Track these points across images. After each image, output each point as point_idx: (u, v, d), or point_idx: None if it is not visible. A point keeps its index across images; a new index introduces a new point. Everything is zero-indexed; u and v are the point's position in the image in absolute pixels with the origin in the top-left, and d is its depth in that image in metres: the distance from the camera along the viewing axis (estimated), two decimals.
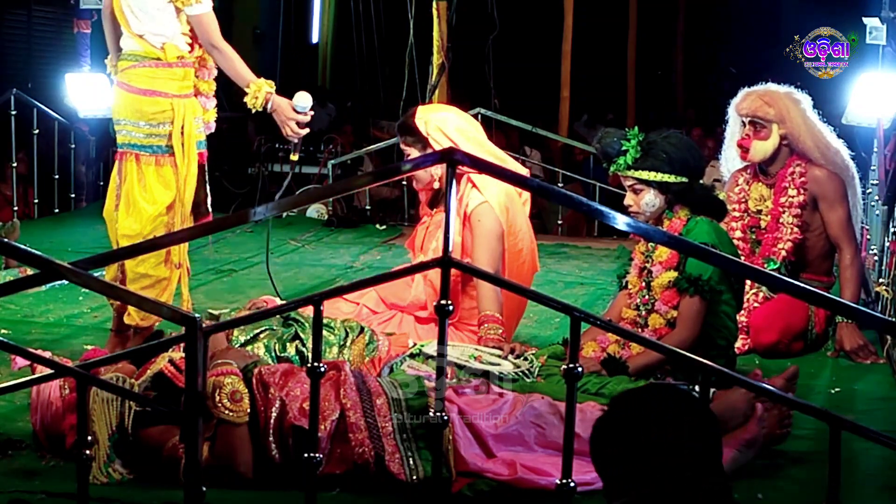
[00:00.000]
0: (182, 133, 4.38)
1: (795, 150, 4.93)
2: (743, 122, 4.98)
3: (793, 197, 4.89)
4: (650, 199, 4.05)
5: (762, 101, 4.91)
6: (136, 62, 4.38)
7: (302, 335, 4.00)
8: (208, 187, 4.60)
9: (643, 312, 4.11)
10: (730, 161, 5.24)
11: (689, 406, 1.99)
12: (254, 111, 4.52)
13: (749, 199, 5.05)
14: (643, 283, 4.14)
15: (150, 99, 4.36)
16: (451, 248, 2.58)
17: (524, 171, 4.40)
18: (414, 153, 4.45)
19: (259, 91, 4.41)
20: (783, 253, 4.89)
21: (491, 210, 4.40)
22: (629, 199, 4.10)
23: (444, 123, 4.43)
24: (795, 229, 4.89)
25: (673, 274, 3.99)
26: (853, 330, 4.75)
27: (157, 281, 4.42)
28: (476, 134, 4.53)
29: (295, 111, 4.47)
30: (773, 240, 4.93)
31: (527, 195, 4.60)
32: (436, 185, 4.56)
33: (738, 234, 4.99)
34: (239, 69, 4.45)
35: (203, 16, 4.37)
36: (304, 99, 4.48)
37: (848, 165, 5.02)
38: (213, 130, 4.62)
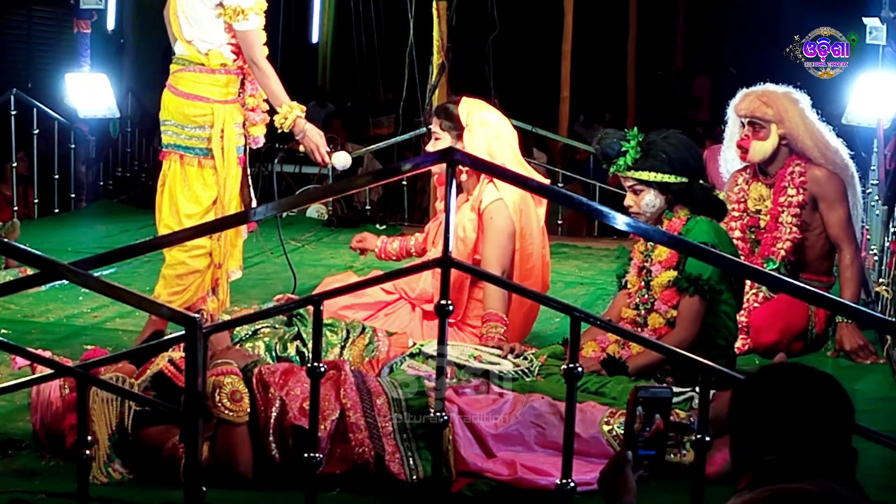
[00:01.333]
0: (222, 137, 4.49)
1: (794, 150, 4.93)
2: (742, 122, 4.98)
3: (792, 196, 4.89)
4: (650, 200, 4.05)
5: (760, 101, 4.90)
6: (183, 66, 4.53)
7: (304, 334, 4.01)
8: (252, 190, 4.71)
9: (642, 312, 4.11)
10: (729, 161, 5.25)
11: (832, 387, 2.07)
12: (280, 131, 4.65)
13: (748, 199, 5.04)
14: (642, 283, 4.13)
15: (193, 103, 4.49)
16: (451, 248, 2.58)
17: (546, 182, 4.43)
18: (445, 138, 4.54)
19: (290, 113, 4.55)
20: (782, 253, 4.88)
21: (505, 208, 4.43)
22: (629, 199, 4.10)
23: (487, 122, 4.53)
24: (795, 229, 4.89)
25: (672, 273, 3.99)
26: (853, 330, 4.75)
27: (192, 271, 4.54)
28: (512, 140, 4.62)
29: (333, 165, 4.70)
30: (772, 239, 4.93)
31: (544, 203, 4.63)
32: (462, 178, 4.59)
33: (738, 233, 4.99)
34: (274, 88, 4.55)
35: (249, 32, 4.48)
36: (343, 160, 4.72)
37: (847, 165, 5.01)
38: (260, 145, 4.73)
